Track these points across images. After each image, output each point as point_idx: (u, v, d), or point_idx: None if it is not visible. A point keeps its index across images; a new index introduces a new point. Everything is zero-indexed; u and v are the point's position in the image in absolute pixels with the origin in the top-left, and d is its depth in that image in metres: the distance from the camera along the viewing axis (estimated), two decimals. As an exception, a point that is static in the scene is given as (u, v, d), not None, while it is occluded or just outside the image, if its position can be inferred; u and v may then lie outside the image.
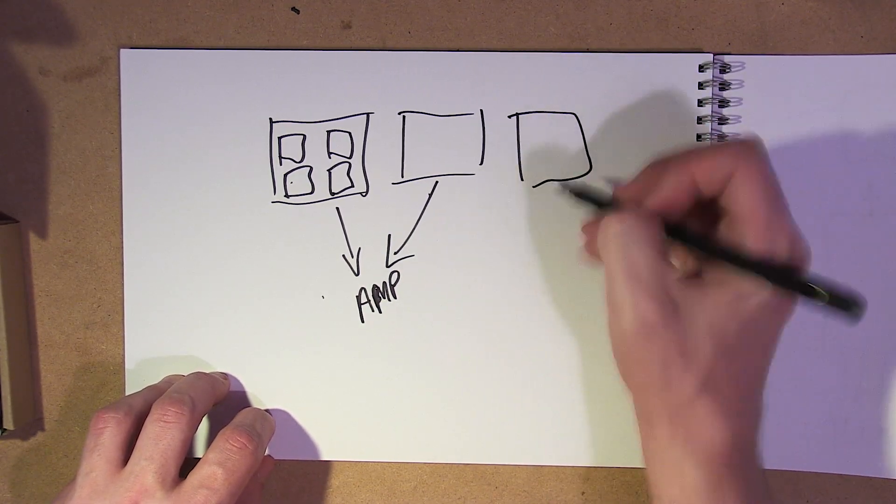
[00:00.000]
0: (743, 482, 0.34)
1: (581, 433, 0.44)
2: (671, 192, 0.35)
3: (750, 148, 0.35)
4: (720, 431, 0.34)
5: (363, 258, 0.44)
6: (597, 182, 0.43)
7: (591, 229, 0.39)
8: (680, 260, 0.39)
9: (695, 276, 0.36)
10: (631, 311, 0.34)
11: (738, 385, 0.34)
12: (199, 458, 0.39)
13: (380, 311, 0.44)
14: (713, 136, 0.43)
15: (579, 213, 0.42)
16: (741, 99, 0.43)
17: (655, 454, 0.36)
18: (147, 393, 0.41)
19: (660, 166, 0.36)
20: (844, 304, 0.32)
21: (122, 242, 0.44)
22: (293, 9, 0.44)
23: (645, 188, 0.36)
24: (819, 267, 0.43)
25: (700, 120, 0.43)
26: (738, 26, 0.44)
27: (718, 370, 0.34)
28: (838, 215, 0.44)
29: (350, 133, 0.44)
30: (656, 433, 0.35)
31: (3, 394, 0.43)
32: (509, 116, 0.44)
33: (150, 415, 0.39)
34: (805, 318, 0.43)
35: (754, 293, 0.34)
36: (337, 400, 0.44)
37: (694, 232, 0.36)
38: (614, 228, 0.35)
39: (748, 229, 0.34)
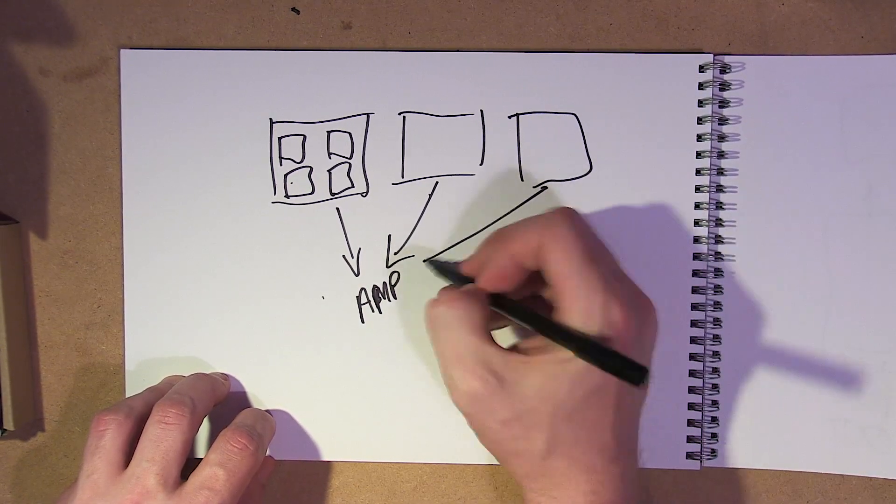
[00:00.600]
0: None
1: (581, 433, 0.44)
2: (495, 270, 0.37)
3: (556, 216, 0.36)
4: (577, 488, 0.36)
5: (363, 258, 0.44)
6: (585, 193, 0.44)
7: (440, 293, 0.40)
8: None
9: (524, 345, 0.38)
10: (459, 388, 0.37)
11: (587, 443, 0.36)
12: (201, 460, 0.39)
13: (380, 312, 0.44)
14: (713, 137, 0.43)
15: (581, 209, 0.42)
16: (741, 99, 0.43)
17: None
18: (147, 395, 0.41)
19: (491, 242, 0.38)
20: (631, 376, 0.33)
21: (123, 243, 0.44)
22: (293, 9, 0.44)
23: (483, 262, 0.38)
24: (819, 267, 0.44)
25: (700, 120, 0.43)
26: (739, 27, 0.44)
27: (561, 430, 0.35)
28: (838, 215, 0.44)
29: (350, 133, 0.44)
30: (527, 494, 0.37)
31: (3, 394, 0.43)
32: (509, 117, 0.44)
33: (150, 416, 0.39)
34: (805, 319, 0.44)
35: (571, 358, 0.35)
36: (337, 400, 0.44)
37: (515, 304, 0.38)
38: (434, 311, 0.38)
39: (560, 299, 0.36)
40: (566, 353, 0.35)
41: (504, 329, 0.43)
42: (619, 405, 0.36)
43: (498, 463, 0.44)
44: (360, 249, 0.44)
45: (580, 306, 0.35)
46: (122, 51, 0.44)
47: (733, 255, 0.44)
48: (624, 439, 0.37)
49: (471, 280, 0.39)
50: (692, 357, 0.44)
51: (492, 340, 0.37)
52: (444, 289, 0.39)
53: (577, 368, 0.35)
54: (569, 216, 0.36)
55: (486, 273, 0.38)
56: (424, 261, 0.44)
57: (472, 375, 0.36)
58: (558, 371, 0.35)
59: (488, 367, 0.36)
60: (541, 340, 0.37)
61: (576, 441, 0.35)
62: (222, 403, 0.43)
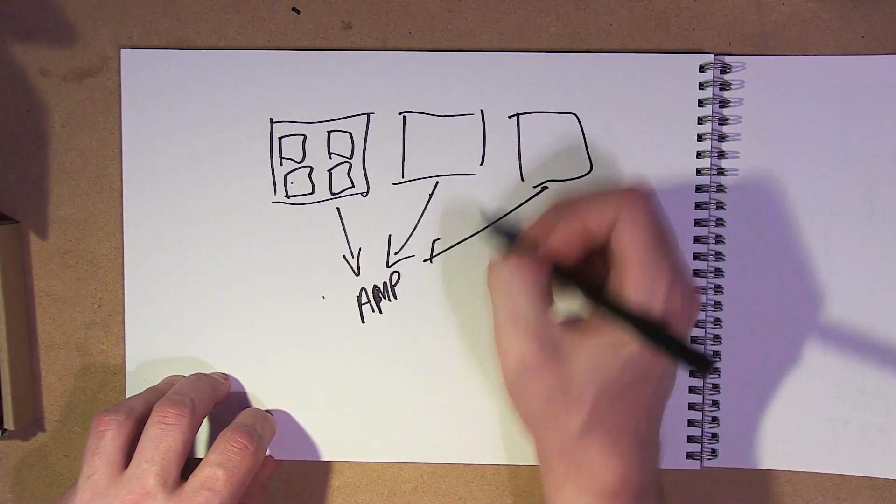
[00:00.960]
0: None
1: (581, 433, 0.44)
2: (563, 238, 0.37)
3: (635, 194, 0.36)
4: (608, 469, 0.35)
5: (364, 258, 0.44)
6: (586, 184, 0.43)
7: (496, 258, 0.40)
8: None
9: (580, 321, 0.37)
10: (511, 352, 0.36)
11: (624, 425, 0.36)
12: (201, 460, 0.39)
13: (380, 312, 0.44)
14: (714, 137, 0.43)
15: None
16: (742, 99, 0.43)
17: (552, 493, 0.37)
18: (147, 395, 0.41)
19: (559, 209, 0.38)
20: (698, 364, 0.34)
21: (123, 243, 0.44)
22: (294, 9, 0.44)
23: (547, 230, 0.38)
24: (819, 267, 0.44)
25: (700, 120, 0.43)
26: (739, 26, 0.44)
27: (602, 410, 0.35)
28: (838, 215, 0.44)
29: (350, 133, 0.44)
30: (552, 472, 0.37)
31: (3, 394, 0.43)
32: (510, 116, 0.44)
33: (150, 417, 0.39)
34: (805, 319, 0.44)
35: (629, 341, 0.35)
36: (337, 400, 0.44)
37: (580, 277, 0.37)
38: (497, 273, 0.37)
39: (626, 277, 0.35)
40: (622, 336, 0.35)
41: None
42: (656, 393, 0.36)
43: (498, 463, 0.44)
44: (360, 249, 0.44)
45: (646, 288, 0.34)
46: (123, 51, 0.44)
47: (733, 255, 0.44)
48: (654, 426, 0.37)
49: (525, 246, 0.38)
50: (692, 357, 0.44)
51: (550, 311, 0.36)
52: (499, 257, 0.38)
53: (630, 352, 0.35)
54: (648, 195, 0.36)
55: (554, 240, 0.37)
56: (488, 224, 0.43)
57: (529, 339, 0.36)
58: (612, 353, 0.35)
59: (546, 335, 0.36)
60: (593, 320, 0.36)
61: (614, 424, 0.35)
62: (222, 403, 0.43)
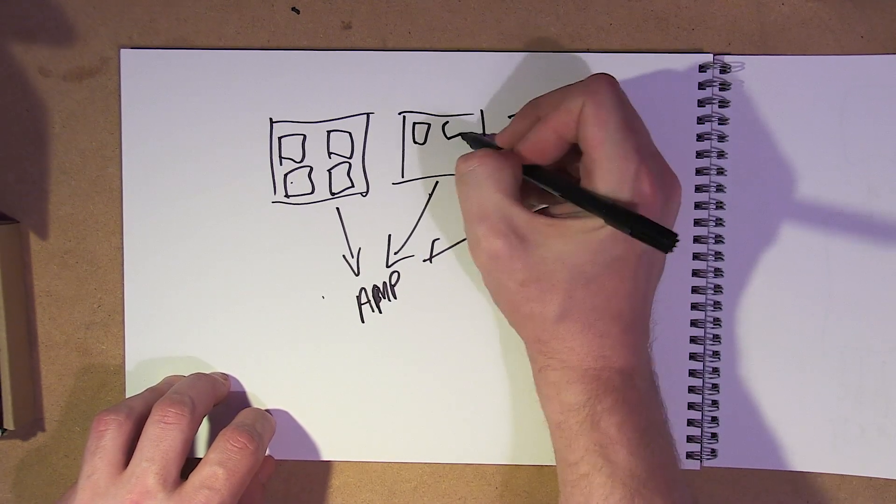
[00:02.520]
0: (619, 400, 0.36)
1: (581, 433, 0.44)
2: (537, 141, 0.37)
3: (596, 82, 0.36)
4: (589, 352, 0.36)
5: (363, 258, 0.44)
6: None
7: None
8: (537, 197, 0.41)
9: (550, 213, 0.37)
10: (480, 246, 0.37)
11: (603, 309, 0.36)
12: (201, 459, 0.39)
13: (380, 312, 0.44)
14: (713, 136, 0.43)
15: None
16: (742, 99, 0.43)
17: (538, 379, 0.38)
18: (147, 395, 0.41)
19: (527, 111, 0.38)
20: (661, 242, 0.33)
21: (123, 243, 0.44)
22: (293, 9, 0.44)
23: (518, 133, 0.38)
24: (819, 267, 0.44)
25: (701, 120, 0.43)
26: (739, 26, 0.44)
27: (577, 295, 0.36)
28: (838, 215, 0.44)
29: (350, 133, 0.44)
30: (537, 358, 0.38)
31: (3, 394, 0.43)
32: (509, 116, 0.44)
33: (150, 416, 0.39)
34: (805, 319, 0.44)
35: (599, 226, 0.35)
36: (337, 400, 0.44)
37: (547, 172, 0.38)
38: (462, 167, 0.38)
39: (593, 165, 0.35)
40: (593, 222, 0.35)
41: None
42: (636, 276, 0.36)
43: (498, 463, 0.44)
44: (360, 249, 0.44)
45: (612, 174, 0.35)
46: (122, 51, 0.44)
47: (733, 255, 0.44)
48: (638, 311, 0.37)
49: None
50: (692, 357, 0.44)
51: (519, 202, 0.37)
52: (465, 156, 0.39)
53: (602, 237, 0.35)
54: (610, 83, 0.36)
55: (526, 144, 0.37)
56: (460, 134, 0.43)
57: (495, 233, 0.36)
58: (582, 237, 0.35)
59: (511, 227, 0.36)
60: (569, 208, 0.37)
61: (592, 307, 0.36)
62: (222, 403, 0.43)
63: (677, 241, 0.32)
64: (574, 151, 0.37)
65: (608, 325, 0.36)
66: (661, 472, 0.36)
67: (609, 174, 0.35)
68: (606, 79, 0.36)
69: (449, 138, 0.44)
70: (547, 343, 0.37)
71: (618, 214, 0.34)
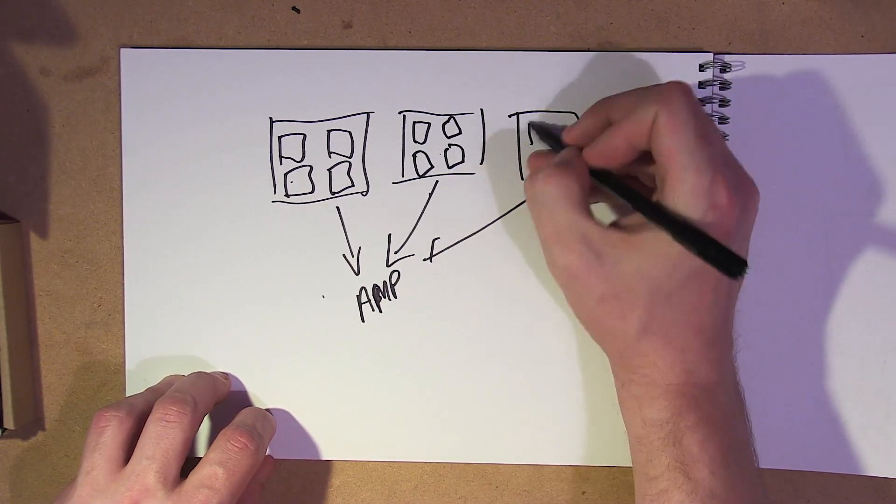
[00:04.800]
0: (703, 416, 0.36)
1: (582, 433, 0.44)
2: (608, 147, 0.37)
3: (673, 93, 0.35)
4: (671, 367, 0.36)
5: (363, 258, 0.44)
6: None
7: (534, 161, 0.41)
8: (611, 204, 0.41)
9: (622, 225, 0.37)
10: (556, 264, 0.37)
11: (684, 323, 0.35)
12: (201, 458, 0.39)
13: (380, 311, 0.44)
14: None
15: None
16: (742, 99, 0.43)
17: (621, 393, 0.38)
18: (148, 394, 0.41)
19: (598, 111, 0.38)
20: (730, 268, 0.32)
21: (123, 242, 0.44)
22: (294, 8, 0.44)
23: (587, 132, 0.38)
24: (819, 267, 0.44)
25: (700, 119, 0.43)
26: (739, 26, 0.44)
27: (658, 311, 0.35)
28: (838, 215, 0.44)
29: (350, 132, 0.44)
30: (619, 373, 0.38)
31: (3, 393, 0.43)
32: (510, 116, 0.44)
33: (151, 414, 0.39)
34: (805, 319, 0.44)
35: (672, 243, 0.34)
36: (338, 399, 0.44)
37: (616, 179, 0.37)
38: (534, 188, 0.37)
39: (667, 176, 0.35)
40: (666, 237, 0.34)
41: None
42: (716, 288, 0.36)
43: (498, 462, 0.44)
44: (360, 248, 0.44)
45: (686, 186, 0.34)
46: (123, 50, 0.44)
47: (733, 255, 0.44)
48: (720, 323, 0.37)
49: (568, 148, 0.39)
50: (692, 356, 0.44)
51: (590, 216, 0.36)
52: (538, 158, 0.38)
53: (679, 250, 0.34)
54: (684, 91, 0.35)
55: (595, 149, 0.37)
56: (529, 123, 0.43)
57: (571, 251, 0.36)
58: (659, 251, 0.35)
59: (587, 244, 0.36)
60: (639, 218, 0.36)
61: (672, 322, 0.35)
62: (223, 402, 0.43)
63: (746, 269, 0.32)
64: (643, 161, 0.37)
65: (690, 340, 0.36)
66: (741, 492, 0.35)
67: (683, 186, 0.34)
68: (680, 87, 0.35)
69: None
70: (629, 358, 0.37)
71: (687, 234, 0.33)
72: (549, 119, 0.44)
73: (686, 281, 0.35)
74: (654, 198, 0.36)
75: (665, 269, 0.35)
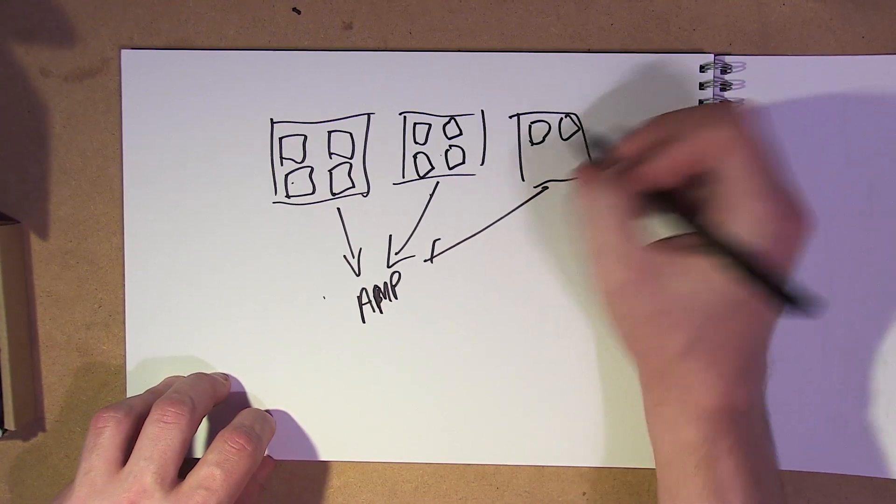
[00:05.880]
0: (737, 441, 0.35)
1: (583, 433, 0.44)
2: (667, 166, 0.36)
3: (741, 117, 0.35)
4: (708, 390, 0.35)
5: (364, 259, 0.44)
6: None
7: (584, 173, 0.39)
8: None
9: (674, 243, 0.37)
10: (608, 278, 0.36)
11: (726, 347, 0.35)
12: (199, 459, 0.39)
13: (381, 312, 0.44)
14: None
15: (579, 215, 0.42)
16: (742, 99, 0.43)
17: (653, 413, 0.38)
18: (147, 395, 0.41)
19: (660, 127, 0.37)
20: (802, 305, 0.32)
21: (123, 243, 0.44)
22: (294, 9, 0.44)
23: (645, 147, 0.37)
24: (819, 267, 0.44)
25: (701, 120, 0.43)
26: (739, 27, 0.44)
27: (705, 332, 0.35)
28: (838, 215, 0.44)
29: (351, 133, 0.44)
30: (651, 393, 0.37)
31: (4, 394, 0.43)
32: (510, 117, 0.44)
33: (150, 415, 0.39)
34: (805, 319, 0.44)
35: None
36: (338, 400, 0.44)
37: (671, 198, 0.37)
38: (585, 199, 0.37)
39: (737, 205, 0.34)
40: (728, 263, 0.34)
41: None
42: (761, 315, 0.35)
43: (499, 463, 0.44)
44: (360, 249, 0.44)
45: (746, 214, 0.34)
46: (123, 51, 0.44)
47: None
48: (760, 350, 0.36)
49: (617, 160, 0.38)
50: (693, 357, 0.44)
51: (641, 232, 0.36)
52: (589, 170, 0.37)
53: (731, 277, 0.34)
54: (755, 114, 0.35)
55: (652, 166, 0.36)
56: (583, 132, 0.43)
57: (623, 266, 0.35)
58: (712, 275, 0.34)
59: (640, 260, 0.35)
60: (693, 239, 0.36)
61: (717, 345, 0.35)
62: (222, 403, 0.43)
63: (813, 305, 0.32)
64: (695, 176, 0.36)
65: (730, 364, 0.35)
66: None
67: (743, 214, 0.34)
68: (750, 109, 0.35)
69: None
70: (667, 378, 0.36)
71: (748, 264, 0.33)
72: (549, 119, 0.43)
73: (735, 306, 0.35)
74: (701, 220, 0.36)
75: (717, 294, 0.34)
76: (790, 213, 0.34)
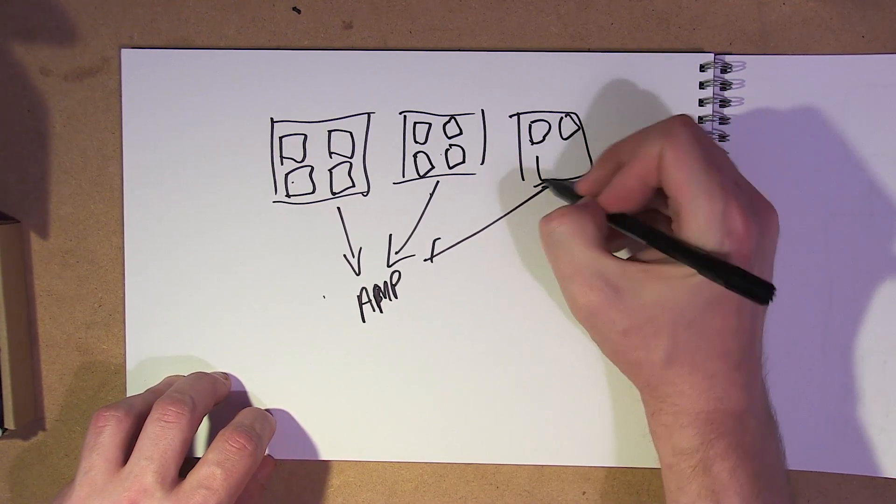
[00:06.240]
0: (734, 446, 0.36)
1: (582, 433, 0.44)
2: (620, 190, 0.37)
3: (675, 126, 0.35)
4: (701, 394, 0.36)
5: (364, 258, 0.44)
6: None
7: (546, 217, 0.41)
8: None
9: (639, 260, 0.37)
10: (576, 302, 0.37)
11: (709, 349, 0.36)
12: (199, 458, 0.39)
13: (381, 311, 0.44)
14: (714, 136, 0.43)
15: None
16: (742, 99, 0.43)
17: (652, 422, 0.38)
18: (148, 394, 0.41)
19: (607, 158, 0.38)
20: (757, 294, 0.32)
21: (123, 242, 0.44)
22: (294, 9, 0.44)
23: (599, 180, 0.38)
24: (819, 267, 0.44)
25: (701, 120, 0.43)
26: (739, 26, 0.44)
27: (682, 339, 0.35)
28: (838, 215, 0.44)
29: (351, 133, 0.44)
30: (648, 403, 0.38)
31: (4, 393, 0.43)
32: (510, 116, 0.44)
33: (150, 414, 0.39)
34: (805, 319, 0.44)
35: (693, 273, 0.35)
36: (338, 400, 0.44)
37: (632, 220, 0.38)
38: (545, 230, 0.38)
39: (679, 209, 0.35)
40: (683, 267, 0.34)
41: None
42: (740, 312, 0.36)
43: (499, 463, 0.44)
44: (360, 249, 0.44)
45: (699, 216, 0.34)
46: (123, 50, 0.44)
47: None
48: (747, 347, 0.36)
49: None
50: (693, 357, 0.44)
51: (607, 252, 0.37)
52: (559, 207, 0.39)
53: (697, 280, 0.34)
54: (686, 123, 0.36)
55: (609, 192, 0.37)
56: (544, 180, 0.43)
57: (589, 288, 0.36)
58: (678, 280, 0.35)
59: (604, 279, 0.36)
60: (653, 254, 0.37)
61: (697, 348, 0.35)
62: (222, 403, 0.43)
63: (774, 293, 0.32)
64: (662, 194, 0.37)
65: (716, 365, 0.36)
66: None
67: (696, 216, 0.34)
68: (682, 119, 0.36)
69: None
70: (657, 388, 0.37)
71: (709, 265, 0.33)
72: (549, 119, 0.44)
73: (707, 307, 0.35)
74: (671, 233, 0.36)
75: (685, 297, 0.35)
76: (740, 209, 0.34)
